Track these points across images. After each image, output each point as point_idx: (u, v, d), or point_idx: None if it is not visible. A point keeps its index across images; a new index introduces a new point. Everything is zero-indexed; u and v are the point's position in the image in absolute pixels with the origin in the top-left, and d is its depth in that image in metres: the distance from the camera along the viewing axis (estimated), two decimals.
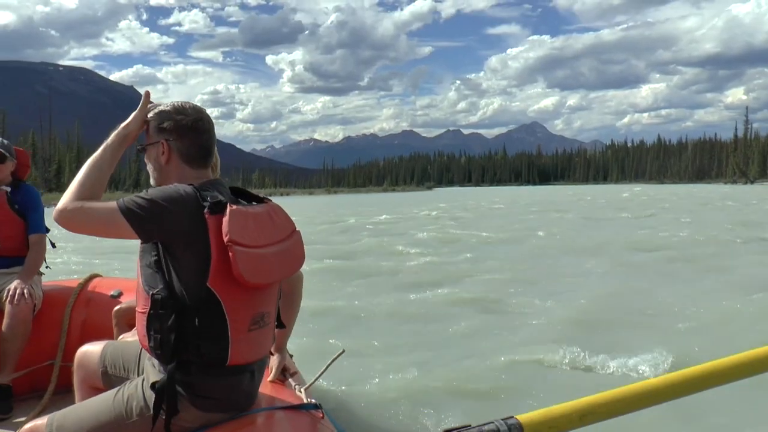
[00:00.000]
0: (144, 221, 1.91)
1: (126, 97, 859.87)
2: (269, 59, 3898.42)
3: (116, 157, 2.15)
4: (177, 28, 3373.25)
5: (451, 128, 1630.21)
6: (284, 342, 2.63)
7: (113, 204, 1.93)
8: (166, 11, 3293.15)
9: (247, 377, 2.09)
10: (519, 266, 11.99)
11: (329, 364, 2.60)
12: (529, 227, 21.98)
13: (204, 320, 1.95)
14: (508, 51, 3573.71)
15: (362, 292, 9.12)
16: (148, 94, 2.25)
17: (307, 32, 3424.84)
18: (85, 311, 3.95)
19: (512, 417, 1.50)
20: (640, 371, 5.18)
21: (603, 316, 7.45)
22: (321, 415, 2.23)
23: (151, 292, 1.96)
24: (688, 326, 6.79)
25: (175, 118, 2.13)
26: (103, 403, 2.10)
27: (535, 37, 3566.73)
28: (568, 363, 5.49)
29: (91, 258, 14.43)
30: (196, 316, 1.94)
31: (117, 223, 1.91)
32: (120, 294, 3.85)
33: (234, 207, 1.96)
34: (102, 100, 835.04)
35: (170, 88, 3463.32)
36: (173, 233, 1.94)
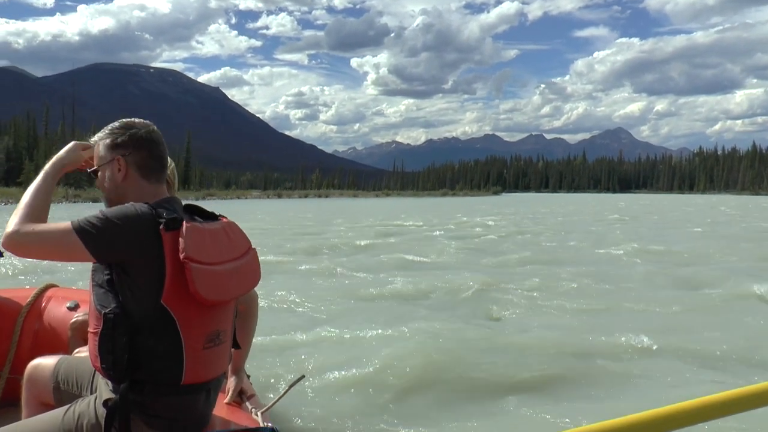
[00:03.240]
0: (99, 241, 1.88)
1: (212, 98, 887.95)
2: (354, 62, 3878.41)
3: (53, 186, 2.15)
4: (264, 31, 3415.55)
5: (533, 133, 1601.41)
6: (241, 363, 2.59)
7: (66, 224, 1.90)
8: (254, 15, 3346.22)
9: (203, 397, 2.08)
10: None
11: (288, 389, 2.59)
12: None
13: (158, 338, 1.93)
14: (595, 54, 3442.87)
15: (324, 315, 8.47)
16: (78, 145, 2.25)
17: (392, 35, 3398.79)
18: (39, 322, 3.76)
19: None
20: None
21: None
22: None
23: (103, 312, 1.92)
24: None
25: (128, 132, 2.12)
26: (52, 420, 2.06)
27: (624, 39, 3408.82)
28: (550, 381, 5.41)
29: (48, 267, 12.79)
30: (149, 335, 1.92)
31: (71, 244, 1.88)
32: (77, 306, 3.62)
33: (190, 224, 1.96)
34: (189, 100, 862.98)
35: (256, 89, 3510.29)
36: (129, 252, 1.91)
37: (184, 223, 1.94)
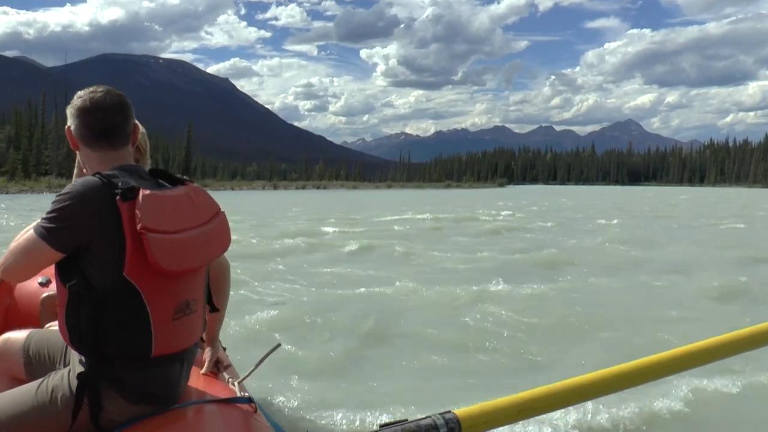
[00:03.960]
0: (59, 235, 1.85)
1: (220, 89, 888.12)
2: (363, 53, 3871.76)
3: None
4: (274, 22, 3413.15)
5: (543, 124, 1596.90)
6: (216, 332, 2.58)
7: (29, 231, 1.91)
8: (263, 6, 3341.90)
9: (176, 368, 2.05)
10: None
11: (264, 358, 2.61)
12: None
13: (123, 311, 1.90)
14: (606, 45, 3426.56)
15: (299, 286, 8.76)
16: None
17: (402, 26, 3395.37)
18: (9, 297, 3.71)
19: (450, 411, 1.49)
20: None
21: None
22: (254, 409, 2.20)
23: (67, 285, 1.91)
24: None
25: (73, 103, 2.08)
26: (25, 393, 2.03)
27: (635, 30, 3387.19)
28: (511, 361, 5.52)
29: None
30: (114, 308, 1.89)
31: (38, 249, 1.87)
32: (48, 281, 3.62)
33: (147, 192, 1.90)
34: (197, 91, 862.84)
35: (265, 80, 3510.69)
36: (90, 234, 1.86)
37: (141, 191, 1.88)
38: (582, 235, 18.22)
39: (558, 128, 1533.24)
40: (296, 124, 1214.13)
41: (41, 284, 3.64)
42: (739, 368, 5.03)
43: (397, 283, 9.04)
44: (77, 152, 2.13)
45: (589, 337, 6.41)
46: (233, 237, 2.19)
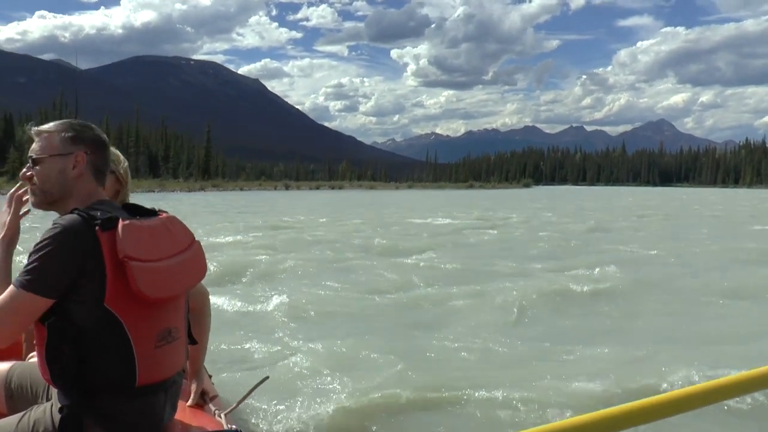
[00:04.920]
0: (51, 282, 1.84)
1: (252, 90, 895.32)
2: (394, 53, 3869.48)
3: (8, 263, 2.11)
4: (305, 23, 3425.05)
5: (574, 124, 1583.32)
6: (200, 363, 2.57)
7: (9, 289, 1.86)
8: (294, 7, 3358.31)
9: (161, 397, 2.06)
10: None
11: (252, 390, 2.60)
12: None
13: (105, 342, 1.90)
14: (638, 44, 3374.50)
15: (286, 316, 8.17)
16: (20, 198, 2.18)
17: (433, 26, 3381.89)
18: None
19: None
20: None
21: None
22: None
23: (46, 322, 1.87)
24: None
25: (91, 132, 2.11)
26: (6, 428, 2.02)
27: (669, 28, 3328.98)
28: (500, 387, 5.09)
29: None
30: (96, 339, 1.88)
31: (27, 302, 1.84)
32: None
33: (126, 221, 1.93)
34: (228, 92, 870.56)
35: (296, 81, 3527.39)
36: (75, 269, 1.87)
37: (120, 221, 1.91)
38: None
39: (589, 128, 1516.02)
40: (326, 124, 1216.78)
41: None
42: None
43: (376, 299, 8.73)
44: (60, 173, 2.06)
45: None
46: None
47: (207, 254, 2.21)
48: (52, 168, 2.03)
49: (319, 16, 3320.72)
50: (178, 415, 2.18)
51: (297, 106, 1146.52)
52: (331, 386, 5.34)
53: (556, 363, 5.84)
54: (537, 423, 4.29)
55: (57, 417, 1.94)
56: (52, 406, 2.00)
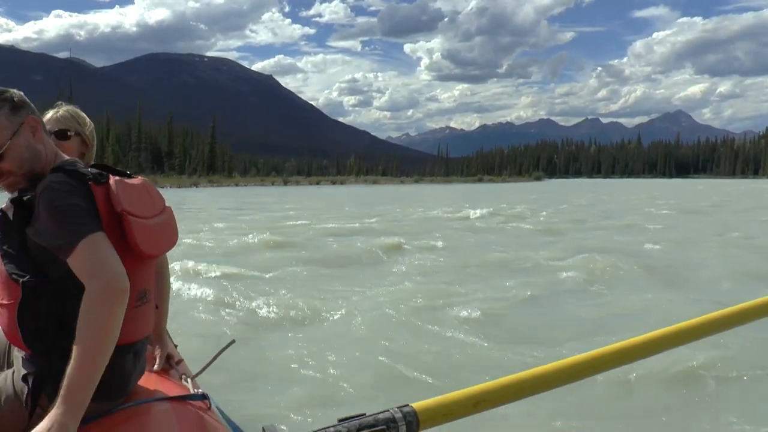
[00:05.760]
0: (93, 217, 1.78)
1: (265, 86, 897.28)
2: (407, 47, 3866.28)
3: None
4: (318, 18, 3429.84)
5: (589, 117, 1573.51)
6: (163, 327, 2.53)
7: (78, 246, 1.71)
8: (307, 3, 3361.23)
9: (130, 359, 1.99)
10: None
11: (218, 354, 2.60)
12: None
13: None
14: (654, 35, 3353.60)
15: (255, 282, 8.63)
16: None
17: (446, 19, 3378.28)
18: None
19: (407, 405, 1.51)
20: None
21: None
22: (208, 406, 2.13)
23: (21, 280, 1.79)
24: None
25: (15, 94, 1.93)
26: None
27: (685, 19, 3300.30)
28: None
29: None
30: (76, 298, 1.71)
31: (104, 241, 1.75)
32: None
33: (116, 177, 1.91)
34: (241, 88, 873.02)
35: (309, 76, 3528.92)
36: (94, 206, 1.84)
37: (111, 177, 1.88)
38: None
39: (605, 120, 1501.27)
40: (341, 119, 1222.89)
41: None
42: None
43: (339, 286, 8.61)
44: (27, 148, 1.89)
45: None
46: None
47: None
48: (19, 147, 1.87)
49: (331, 11, 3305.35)
50: (143, 380, 2.13)
51: (311, 102, 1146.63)
52: (298, 351, 5.39)
53: None
54: None
55: (20, 384, 1.87)
56: (14, 373, 1.92)
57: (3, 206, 1.85)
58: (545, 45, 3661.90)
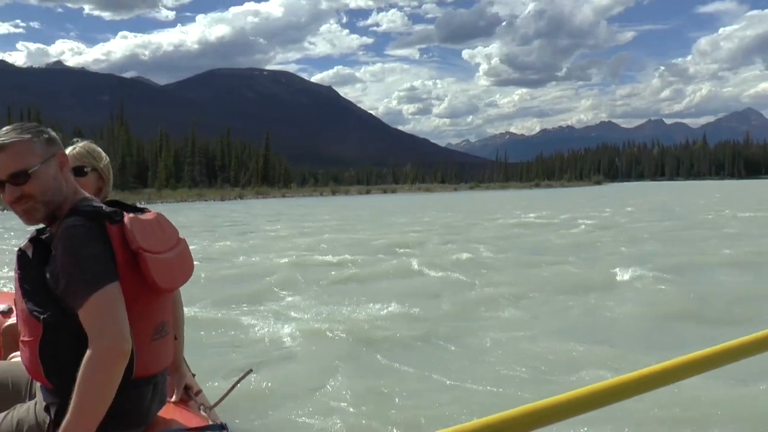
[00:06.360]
0: (109, 268, 1.84)
1: (324, 97, 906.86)
2: (465, 53, 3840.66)
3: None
4: (375, 28, 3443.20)
5: (652, 118, 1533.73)
6: (180, 357, 2.54)
7: (90, 299, 1.78)
8: (365, 13, 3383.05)
9: (150, 391, 2.04)
10: None
11: (236, 384, 2.62)
12: None
13: None
14: (720, 31, 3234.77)
15: (273, 308, 8.42)
16: None
17: (504, 24, 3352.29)
18: None
19: None
20: None
21: None
22: None
23: (41, 317, 1.85)
24: None
25: (52, 132, 2.03)
26: None
27: (755, 12, 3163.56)
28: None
29: None
30: None
31: (114, 294, 1.81)
32: (10, 310, 3.54)
33: (131, 215, 1.96)
34: (301, 100, 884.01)
35: (368, 86, 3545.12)
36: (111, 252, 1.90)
37: (125, 214, 1.93)
38: None
39: (668, 121, 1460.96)
40: (400, 128, 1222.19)
41: (2, 312, 3.53)
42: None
43: (368, 305, 8.37)
44: (54, 178, 1.95)
45: None
46: None
47: None
48: (47, 176, 1.93)
49: (389, 20, 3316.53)
50: (162, 412, 2.16)
51: (370, 111, 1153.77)
52: (317, 380, 5.33)
53: None
54: None
55: (42, 414, 1.93)
56: (36, 404, 1.98)
57: (22, 245, 1.94)
58: (605, 46, 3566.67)
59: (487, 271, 11.33)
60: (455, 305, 8.40)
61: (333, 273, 11.59)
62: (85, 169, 2.59)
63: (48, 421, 1.90)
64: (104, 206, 1.96)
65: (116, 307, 1.79)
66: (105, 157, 2.73)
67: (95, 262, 1.80)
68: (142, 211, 2.11)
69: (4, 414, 2.00)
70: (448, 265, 12.02)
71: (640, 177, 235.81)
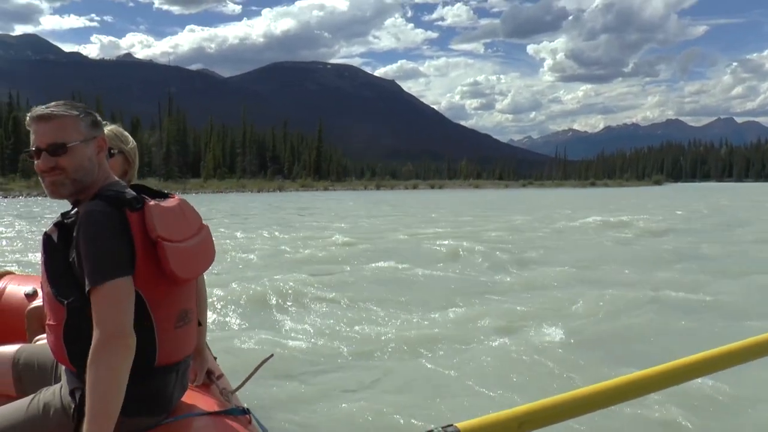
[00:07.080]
0: (121, 262, 1.83)
1: (387, 91, 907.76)
2: (530, 48, 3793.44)
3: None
4: (440, 22, 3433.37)
5: (722, 116, 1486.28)
6: (203, 342, 2.56)
7: (98, 288, 1.79)
8: (430, 7, 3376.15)
9: (173, 378, 2.05)
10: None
11: (257, 368, 2.63)
12: None
13: None
14: None
15: (295, 294, 8.35)
16: None
17: (570, 18, 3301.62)
18: None
19: (452, 425, 1.51)
20: None
21: None
22: (249, 420, 2.20)
23: (65, 302, 1.87)
24: None
25: (100, 119, 2.10)
26: (16, 411, 2.01)
27: None
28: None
29: (6, 255, 12.94)
30: None
31: (124, 288, 1.81)
32: (35, 292, 3.55)
33: (152, 202, 1.94)
34: (365, 94, 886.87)
35: (432, 81, 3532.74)
36: (129, 243, 1.89)
37: (146, 201, 1.92)
38: None
39: (740, 120, 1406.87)
40: (463, 123, 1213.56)
41: (27, 295, 3.59)
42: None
43: (356, 305, 8.03)
44: (89, 159, 2.00)
45: None
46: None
47: None
48: (83, 155, 1.97)
49: (454, 15, 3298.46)
50: (184, 396, 2.18)
51: (433, 106, 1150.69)
52: (341, 366, 5.38)
53: None
54: None
55: (67, 399, 1.95)
56: (61, 387, 2.01)
57: (48, 229, 1.94)
58: (675, 41, 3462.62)
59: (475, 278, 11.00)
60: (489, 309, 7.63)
61: (330, 275, 10.72)
62: (113, 151, 2.63)
63: (73, 405, 1.93)
64: (129, 191, 1.97)
65: (121, 300, 1.79)
66: (131, 141, 2.80)
67: (109, 252, 1.81)
68: (166, 196, 2.13)
69: (30, 398, 2.04)
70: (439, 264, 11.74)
71: (706, 177, 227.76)
